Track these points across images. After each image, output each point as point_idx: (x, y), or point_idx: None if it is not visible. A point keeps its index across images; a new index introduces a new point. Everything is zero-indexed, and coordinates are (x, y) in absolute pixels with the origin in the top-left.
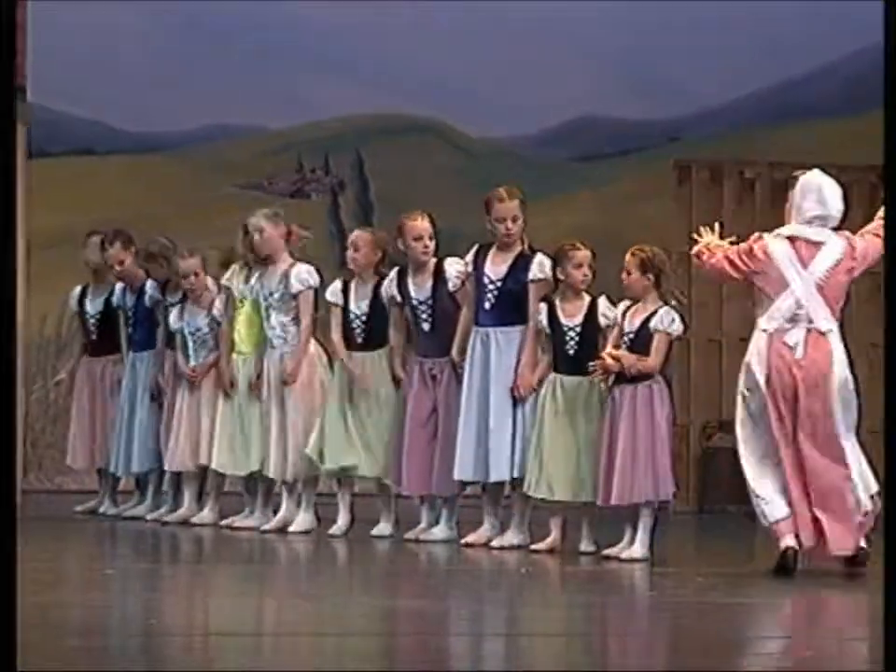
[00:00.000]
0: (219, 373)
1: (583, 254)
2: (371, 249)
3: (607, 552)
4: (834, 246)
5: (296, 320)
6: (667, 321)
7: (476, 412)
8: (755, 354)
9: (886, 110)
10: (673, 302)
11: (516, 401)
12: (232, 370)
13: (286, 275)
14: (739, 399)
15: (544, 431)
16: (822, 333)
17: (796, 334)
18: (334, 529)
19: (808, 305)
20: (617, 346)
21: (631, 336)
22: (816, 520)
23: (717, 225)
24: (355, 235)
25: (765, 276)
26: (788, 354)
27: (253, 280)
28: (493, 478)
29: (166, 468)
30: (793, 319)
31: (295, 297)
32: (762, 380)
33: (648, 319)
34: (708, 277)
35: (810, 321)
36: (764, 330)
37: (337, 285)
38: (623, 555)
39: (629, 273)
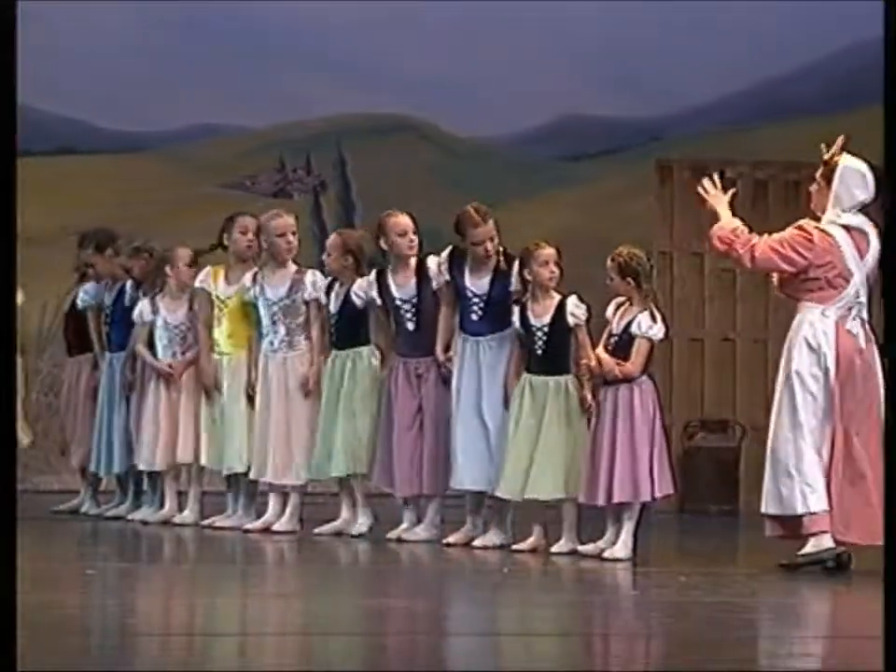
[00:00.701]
0: (200, 372)
1: (548, 252)
2: (339, 254)
3: (585, 549)
4: (875, 239)
5: (302, 325)
6: (646, 326)
7: (474, 423)
8: (823, 338)
9: (886, 110)
10: (653, 305)
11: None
12: (215, 368)
13: (296, 281)
14: (797, 381)
15: (510, 429)
16: (871, 326)
17: (856, 325)
18: (355, 529)
19: (864, 297)
20: (606, 347)
21: (616, 339)
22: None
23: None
24: (328, 239)
25: (831, 267)
26: (852, 342)
27: (248, 282)
28: (496, 490)
29: (140, 466)
30: (850, 309)
31: (307, 303)
32: (832, 365)
33: (630, 323)
34: (738, 266)
35: (862, 312)
36: (827, 316)
37: (321, 284)
38: (606, 555)
39: (611, 279)
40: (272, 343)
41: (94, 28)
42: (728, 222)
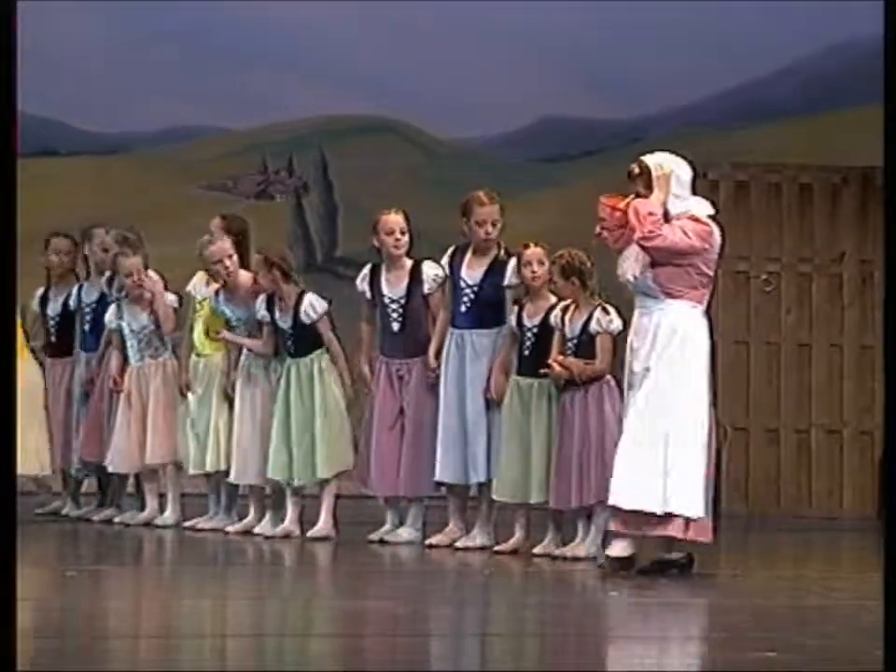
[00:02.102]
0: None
1: (531, 252)
2: (265, 271)
3: (555, 551)
4: None
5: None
6: (605, 322)
7: (454, 414)
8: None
9: (886, 110)
10: (598, 301)
11: (490, 404)
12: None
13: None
14: (701, 386)
15: (502, 433)
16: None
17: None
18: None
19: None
20: (562, 352)
21: (575, 342)
22: None
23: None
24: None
25: (708, 256)
26: None
27: (212, 295)
28: (472, 480)
29: (109, 469)
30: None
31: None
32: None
33: (587, 323)
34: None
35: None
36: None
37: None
38: (568, 553)
39: (555, 282)
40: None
41: (74, 30)
42: (654, 203)
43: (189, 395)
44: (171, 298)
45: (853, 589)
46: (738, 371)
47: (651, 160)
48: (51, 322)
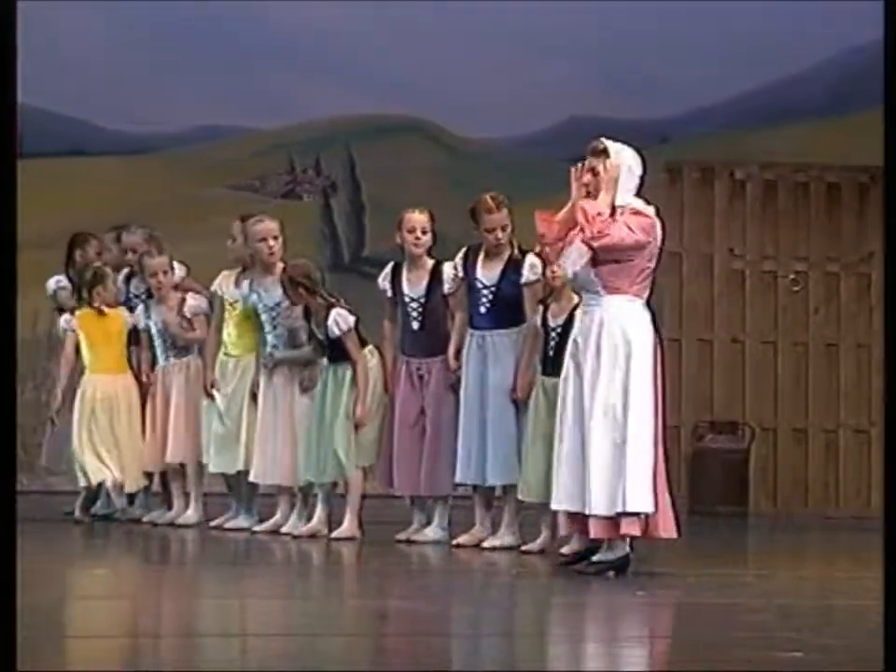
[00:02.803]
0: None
1: None
2: (292, 290)
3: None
4: None
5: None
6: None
7: (475, 415)
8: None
9: (886, 110)
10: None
11: (515, 404)
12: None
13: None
14: (646, 382)
15: (528, 433)
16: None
17: None
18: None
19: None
20: None
21: None
22: None
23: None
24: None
25: (651, 249)
26: None
27: (245, 289)
28: (490, 482)
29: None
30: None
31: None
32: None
33: None
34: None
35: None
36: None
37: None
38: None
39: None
40: (275, 347)
41: (103, 29)
42: (601, 204)
43: (217, 394)
44: (202, 304)
45: (881, 590)
46: (766, 371)
47: (612, 147)
48: None
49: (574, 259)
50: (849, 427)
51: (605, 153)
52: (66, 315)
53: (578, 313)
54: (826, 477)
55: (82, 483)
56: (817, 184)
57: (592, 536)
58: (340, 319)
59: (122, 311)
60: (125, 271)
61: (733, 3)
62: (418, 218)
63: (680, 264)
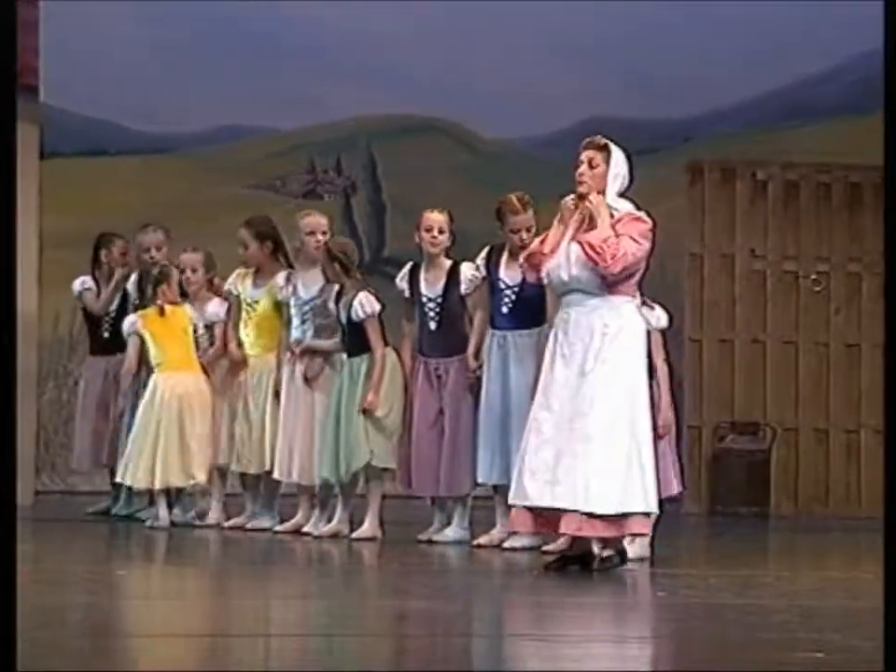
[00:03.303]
0: (232, 373)
1: None
2: (327, 263)
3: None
4: None
5: (330, 325)
6: (654, 319)
7: (496, 415)
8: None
9: (886, 110)
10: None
11: None
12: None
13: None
14: (642, 382)
15: None
16: None
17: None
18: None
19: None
20: None
21: None
22: None
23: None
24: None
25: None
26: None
27: (281, 281)
28: None
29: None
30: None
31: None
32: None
33: None
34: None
35: None
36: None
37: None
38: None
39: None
40: (299, 342)
41: (124, 30)
42: (604, 228)
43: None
44: (220, 312)
45: None
46: (787, 371)
47: (614, 150)
48: (107, 318)
49: (562, 264)
50: (870, 427)
51: (606, 148)
52: (131, 317)
53: (562, 314)
54: (847, 477)
55: (127, 482)
56: (838, 184)
57: (595, 535)
58: (366, 302)
59: (186, 307)
60: (134, 275)
61: (754, 4)
62: (435, 218)
63: (702, 265)
